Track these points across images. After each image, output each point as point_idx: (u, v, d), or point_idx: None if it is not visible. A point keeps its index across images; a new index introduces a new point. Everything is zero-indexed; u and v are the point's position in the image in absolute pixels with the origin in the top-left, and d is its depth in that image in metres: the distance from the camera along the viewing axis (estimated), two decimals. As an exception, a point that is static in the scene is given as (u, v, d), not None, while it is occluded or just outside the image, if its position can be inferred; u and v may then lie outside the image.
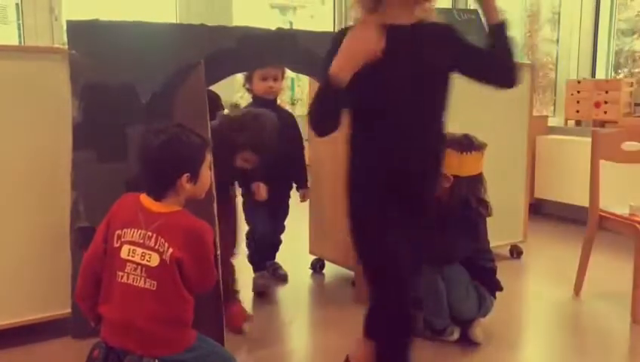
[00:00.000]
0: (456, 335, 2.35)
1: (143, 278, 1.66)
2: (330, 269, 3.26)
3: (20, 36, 5.82)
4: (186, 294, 1.71)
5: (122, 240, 1.69)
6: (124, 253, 1.68)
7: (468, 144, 2.30)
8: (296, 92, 7.71)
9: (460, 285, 2.32)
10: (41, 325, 2.30)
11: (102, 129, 2.25)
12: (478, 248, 2.37)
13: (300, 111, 7.38)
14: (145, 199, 1.75)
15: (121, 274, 1.68)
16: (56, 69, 2.22)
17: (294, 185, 3.17)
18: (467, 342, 2.34)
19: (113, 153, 2.27)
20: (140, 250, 1.67)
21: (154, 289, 1.66)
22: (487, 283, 2.37)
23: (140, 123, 2.26)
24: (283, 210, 3.13)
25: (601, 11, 4.75)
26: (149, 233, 1.68)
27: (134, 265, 1.67)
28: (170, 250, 1.66)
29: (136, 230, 1.69)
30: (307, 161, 3.21)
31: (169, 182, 1.74)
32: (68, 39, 2.22)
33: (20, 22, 5.79)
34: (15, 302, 2.25)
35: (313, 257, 3.30)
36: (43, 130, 2.24)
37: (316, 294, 3.02)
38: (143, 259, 1.67)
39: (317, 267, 3.27)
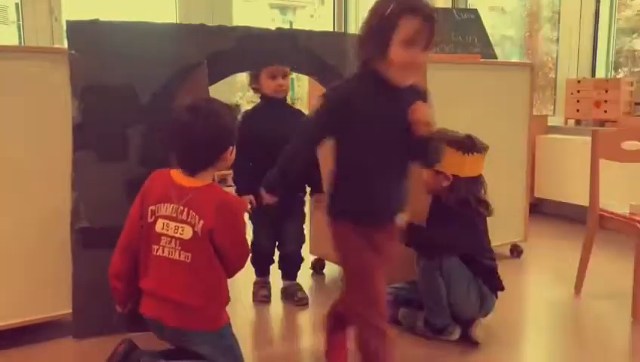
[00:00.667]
0: (456, 335, 2.35)
1: (177, 251, 1.71)
2: (330, 269, 3.26)
3: (20, 37, 5.82)
4: (220, 268, 1.74)
5: (156, 215, 1.75)
6: (158, 227, 1.73)
7: (470, 145, 2.30)
8: (296, 91, 7.73)
9: (461, 283, 2.31)
10: (41, 325, 2.30)
11: (102, 129, 2.24)
12: (478, 245, 2.36)
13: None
14: (176, 175, 1.77)
15: (156, 247, 1.73)
16: (56, 70, 2.22)
17: (308, 189, 2.90)
18: (467, 341, 2.33)
19: (113, 153, 2.27)
20: (173, 224, 1.72)
21: (189, 261, 1.71)
22: (489, 281, 2.36)
23: (140, 123, 2.27)
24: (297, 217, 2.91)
25: (601, 10, 4.75)
26: (181, 207, 1.72)
27: (169, 238, 1.72)
28: (202, 221, 1.69)
29: (168, 205, 1.74)
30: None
31: (216, 157, 1.77)
32: (67, 39, 2.22)
33: (20, 22, 5.79)
34: (16, 302, 2.25)
35: (313, 257, 3.30)
36: (43, 131, 2.25)
37: (317, 294, 3.02)
38: (177, 232, 1.71)
39: (317, 267, 3.28)
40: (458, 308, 2.33)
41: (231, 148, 1.80)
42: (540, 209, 4.66)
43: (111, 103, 2.24)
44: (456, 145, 2.27)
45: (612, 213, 2.73)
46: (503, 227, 3.17)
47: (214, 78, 2.55)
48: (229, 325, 1.82)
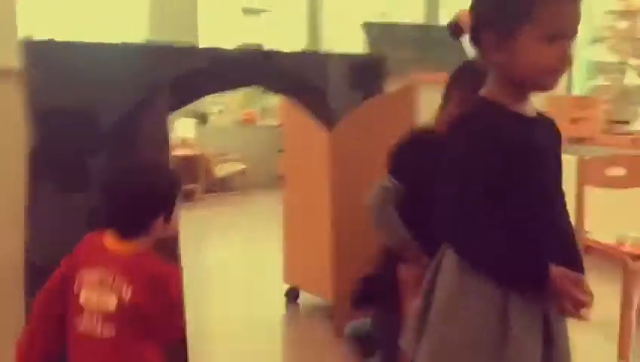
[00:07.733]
0: None
1: (99, 325, 1.55)
2: (306, 299, 3.12)
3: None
4: (150, 341, 1.60)
5: (81, 283, 1.59)
6: (81, 298, 1.58)
7: None
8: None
9: None
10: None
11: (60, 157, 2.10)
12: None
13: (270, 123, 7.28)
14: (109, 240, 1.62)
15: (78, 320, 1.58)
16: (9, 92, 2.10)
17: None
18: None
19: (72, 183, 2.12)
20: (96, 293, 1.57)
21: (113, 335, 1.55)
22: None
23: (101, 150, 2.13)
24: None
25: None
26: (109, 275, 1.57)
27: (90, 311, 1.57)
28: (130, 293, 1.55)
29: (95, 272, 1.58)
30: (279, 172, 3.05)
31: (143, 224, 1.63)
32: (23, 60, 2.07)
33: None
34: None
35: (287, 286, 3.16)
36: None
37: (291, 327, 2.88)
38: (100, 303, 1.56)
39: (291, 296, 3.15)
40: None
41: (162, 216, 1.64)
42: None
43: (70, 129, 2.10)
44: None
45: (598, 243, 2.66)
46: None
47: (183, 101, 2.42)
48: None
